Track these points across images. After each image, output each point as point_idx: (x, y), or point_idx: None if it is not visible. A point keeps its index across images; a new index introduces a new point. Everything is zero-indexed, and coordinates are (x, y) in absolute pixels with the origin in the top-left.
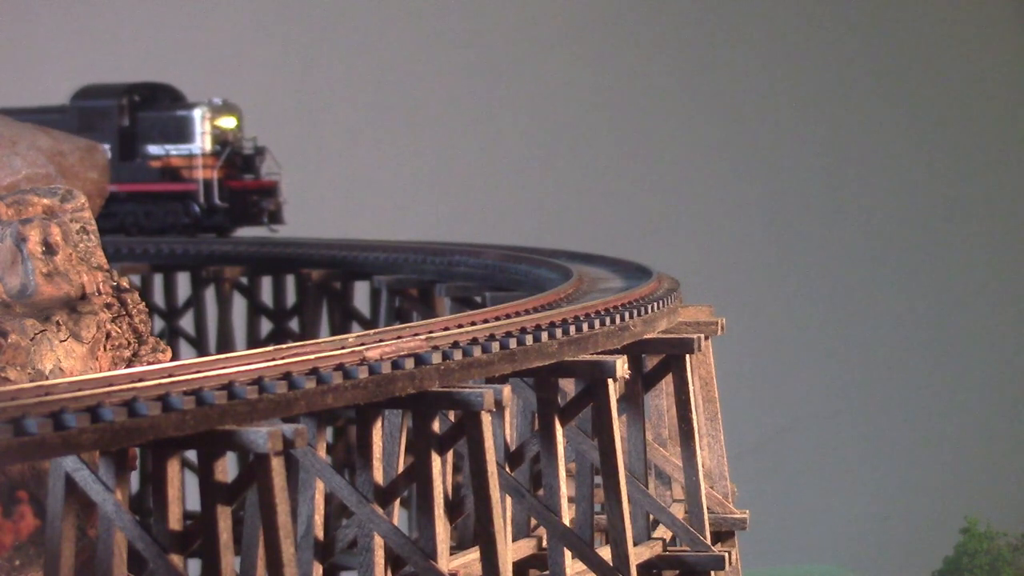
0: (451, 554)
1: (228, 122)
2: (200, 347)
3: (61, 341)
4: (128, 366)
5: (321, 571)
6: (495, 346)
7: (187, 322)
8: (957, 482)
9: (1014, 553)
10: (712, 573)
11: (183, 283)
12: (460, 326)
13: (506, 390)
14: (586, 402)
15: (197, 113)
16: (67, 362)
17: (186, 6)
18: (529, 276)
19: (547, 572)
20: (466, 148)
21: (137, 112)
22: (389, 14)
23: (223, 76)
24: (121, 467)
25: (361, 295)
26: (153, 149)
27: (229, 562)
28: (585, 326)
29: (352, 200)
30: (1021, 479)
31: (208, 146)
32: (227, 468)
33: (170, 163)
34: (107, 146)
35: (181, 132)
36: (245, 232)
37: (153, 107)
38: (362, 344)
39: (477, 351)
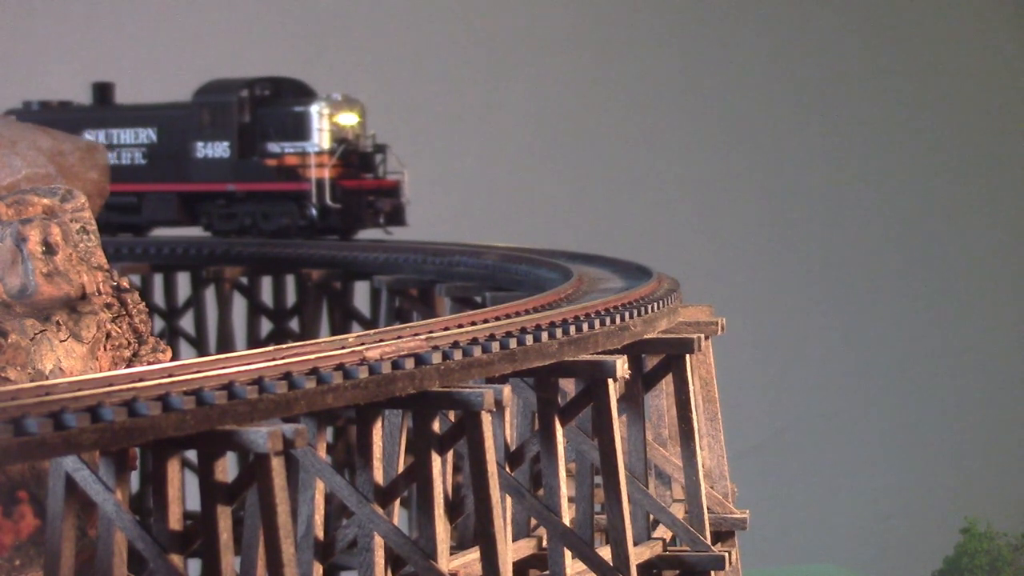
0: (451, 554)
1: (348, 118)
2: (200, 347)
3: (61, 341)
4: (128, 366)
5: (321, 571)
6: (495, 346)
7: (187, 322)
8: (957, 482)
9: (1014, 553)
10: (712, 573)
11: (183, 283)
12: (460, 326)
13: (506, 390)
14: (586, 402)
15: (314, 109)
16: (67, 362)
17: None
18: (529, 276)
19: (547, 572)
20: (465, 148)
21: (258, 108)
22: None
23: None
24: (121, 467)
25: (361, 295)
26: (271, 147)
27: (229, 562)
28: (585, 326)
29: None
30: (1021, 479)
31: (325, 144)
32: (227, 468)
33: (285, 161)
34: (227, 143)
35: (298, 129)
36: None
37: (274, 103)
38: (362, 344)
39: (477, 351)
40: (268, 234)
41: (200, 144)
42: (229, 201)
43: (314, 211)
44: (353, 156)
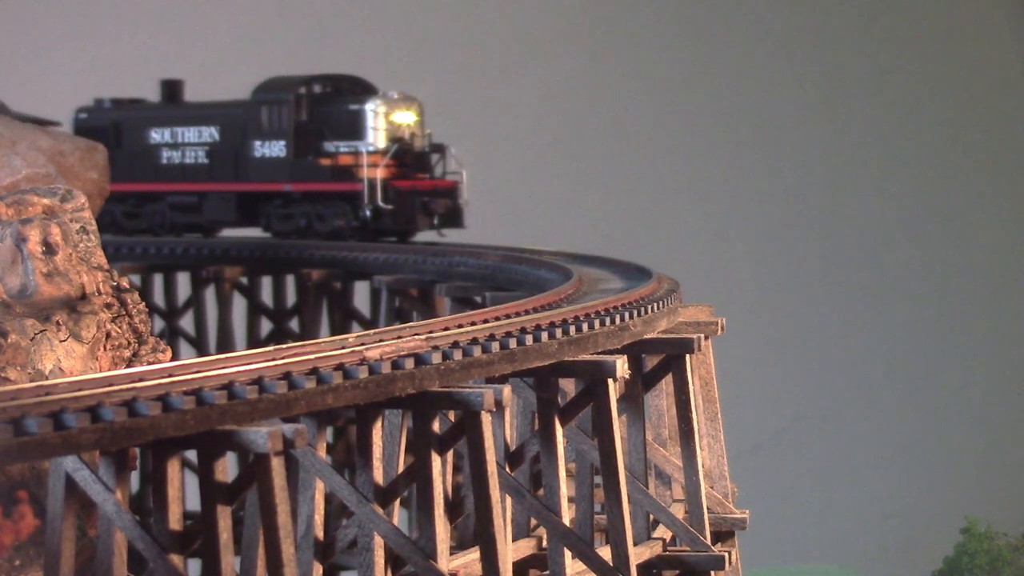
0: (451, 554)
1: (405, 117)
2: (200, 347)
3: (61, 341)
4: (128, 366)
5: (321, 571)
6: (495, 346)
7: (187, 322)
8: (957, 482)
9: (1014, 553)
10: (712, 573)
11: (183, 283)
12: (460, 326)
13: (506, 390)
14: (586, 402)
15: (369, 107)
16: (67, 362)
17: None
18: (529, 277)
19: (547, 572)
20: (465, 148)
21: (315, 106)
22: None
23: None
24: (121, 467)
25: (361, 295)
26: (327, 146)
27: (229, 562)
28: (585, 326)
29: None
30: (1021, 479)
31: (379, 143)
32: (227, 468)
33: (339, 161)
34: (283, 142)
35: (353, 127)
36: (238, 232)
37: (331, 101)
38: (362, 344)
39: (477, 351)
40: (324, 236)
41: (258, 143)
42: (286, 202)
43: (367, 212)
44: (408, 156)
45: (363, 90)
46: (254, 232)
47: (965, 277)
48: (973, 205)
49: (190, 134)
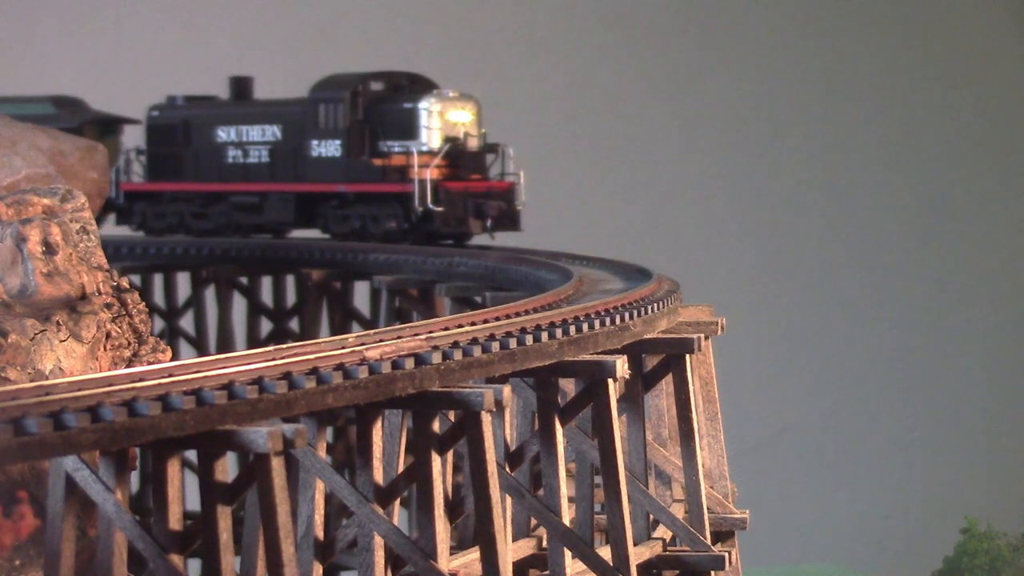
0: (451, 554)
1: (460, 116)
2: (200, 347)
3: (61, 341)
4: (128, 366)
5: (321, 571)
6: (495, 346)
7: (187, 322)
8: (957, 482)
9: (1014, 553)
10: (712, 573)
11: (183, 283)
12: (460, 326)
13: (506, 390)
14: (586, 402)
15: (423, 105)
16: (67, 362)
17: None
18: (529, 277)
19: (547, 572)
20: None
21: (371, 105)
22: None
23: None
24: (121, 467)
25: (361, 295)
26: (381, 145)
27: (229, 562)
28: (585, 326)
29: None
30: (1021, 479)
31: (433, 143)
32: (227, 468)
33: (392, 161)
34: (339, 142)
35: (406, 126)
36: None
37: (387, 99)
38: (362, 344)
39: (477, 351)
40: (378, 238)
41: (315, 142)
42: (342, 203)
43: (419, 213)
44: (461, 156)
45: (420, 88)
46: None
47: (966, 277)
48: (974, 205)
49: (254, 133)
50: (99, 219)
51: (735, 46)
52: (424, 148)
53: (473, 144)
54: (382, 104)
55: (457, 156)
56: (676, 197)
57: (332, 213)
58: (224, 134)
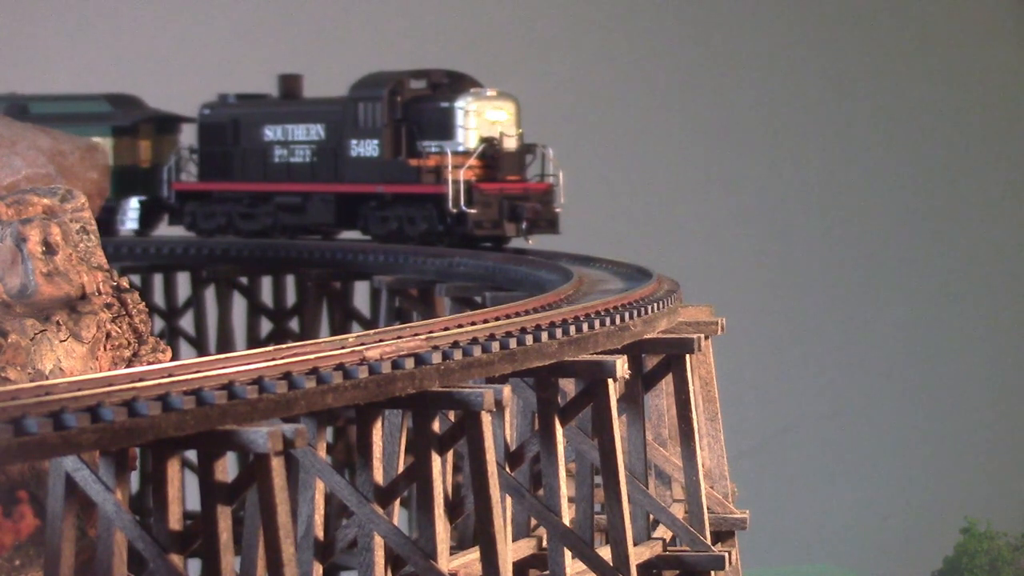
0: (451, 554)
1: (498, 116)
2: (200, 347)
3: (61, 341)
4: (128, 366)
5: (321, 571)
6: (495, 346)
7: (187, 322)
8: (957, 482)
9: (1014, 553)
10: (712, 573)
11: (183, 283)
12: (460, 326)
13: (506, 390)
14: (586, 402)
15: (459, 105)
16: (67, 362)
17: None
18: (529, 277)
19: (547, 572)
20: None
21: (409, 104)
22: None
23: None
24: (121, 467)
25: (361, 295)
26: (418, 145)
27: (229, 562)
28: (585, 326)
29: None
30: (1021, 479)
31: (470, 143)
32: (227, 468)
33: (428, 162)
34: (376, 141)
35: (442, 126)
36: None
37: (425, 98)
38: (362, 344)
39: (477, 351)
40: (416, 240)
41: (354, 142)
42: (381, 204)
43: (452, 215)
44: (498, 156)
45: (458, 87)
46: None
47: (966, 277)
48: (974, 205)
49: (299, 132)
50: (153, 219)
51: (735, 47)
52: (460, 148)
53: (510, 144)
54: (420, 103)
55: (493, 156)
56: (676, 197)
57: (372, 214)
58: (271, 133)
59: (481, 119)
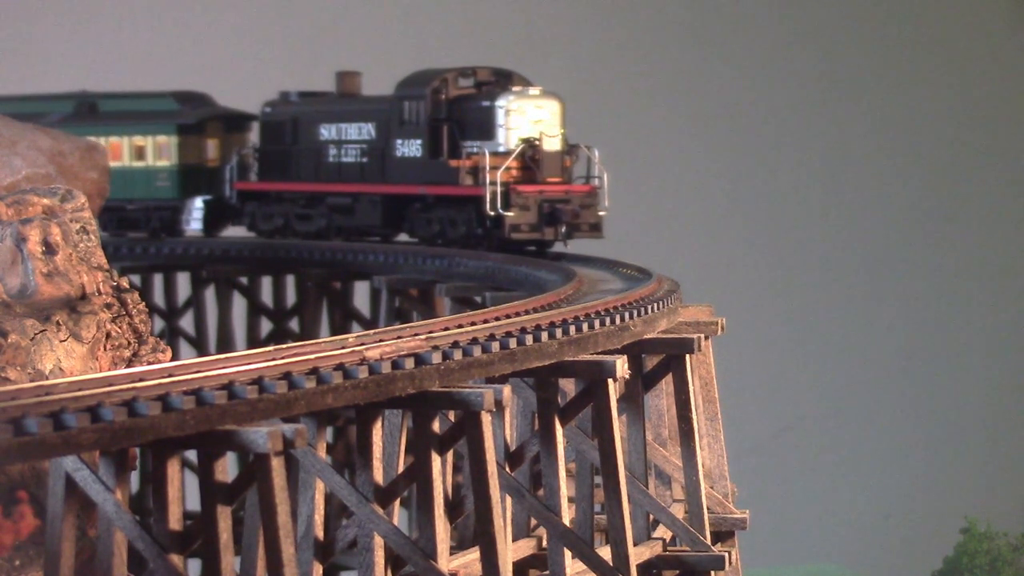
0: (451, 554)
1: (541, 115)
2: (200, 347)
3: (61, 341)
4: (128, 366)
5: (321, 571)
6: (495, 346)
7: (187, 322)
8: (957, 482)
9: (1014, 553)
10: (712, 573)
11: (183, 283)
12: (460, 326)
13: (506, 390)
14: (586, 402)
15: (500, 104)
16: (67, 362)
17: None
18: (529, 277)
19: (547, 572)
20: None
21: (452, 102)
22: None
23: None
24: (121, 467)
25: (361, 295)
26: (461, 145)
27: (229, 562)
28: (585, 326)
29: None
30: (1021, 479)
31: (510, 143)
32: (227, 468)
33: (468, 163)
34: (419, 141)
35: (484, 126)
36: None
37: (468, 97)
38: (362, 344)
39: (477, 351)
40: (458, 244)
41: (399, 142)
42: (425, 206)
43: (491, 218)
44: (537, 158)
45: (502, 85)
46: (239, 232)
47: (965, 277)
48: (973, 205)
49: (351, 131)
50: (218, 219)
51: (735, 46)
52: (499, 149)
53: (552, 145)
54: (464, 102)
55: (533, 157)
56: (676, 197)
57: (416, 217)
58: (326, 132)
59: (523, 118)
